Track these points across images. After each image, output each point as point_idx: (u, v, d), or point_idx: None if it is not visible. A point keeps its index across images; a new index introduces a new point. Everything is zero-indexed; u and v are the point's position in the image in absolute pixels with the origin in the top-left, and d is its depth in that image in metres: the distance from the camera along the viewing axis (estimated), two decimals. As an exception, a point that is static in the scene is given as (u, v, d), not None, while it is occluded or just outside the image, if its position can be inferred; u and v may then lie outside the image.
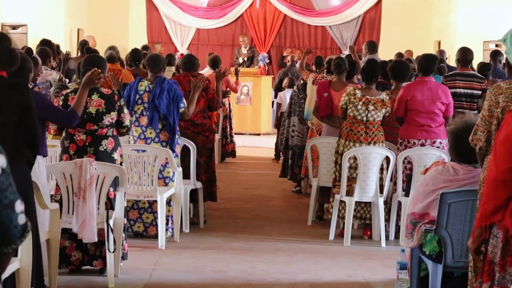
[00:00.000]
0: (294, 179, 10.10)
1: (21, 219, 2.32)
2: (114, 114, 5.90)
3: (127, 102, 7.04)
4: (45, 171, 5.39)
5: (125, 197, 6.04)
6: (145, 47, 13.08)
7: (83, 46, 12.46)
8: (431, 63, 7.55)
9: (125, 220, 6.06)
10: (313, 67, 10.34)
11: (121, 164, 6.01)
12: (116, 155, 5.97)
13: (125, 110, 5.98)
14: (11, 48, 4.78)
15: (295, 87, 10.21)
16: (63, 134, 5.98)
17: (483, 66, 9.43)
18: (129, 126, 6.05)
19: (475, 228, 3.94)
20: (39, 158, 5.27)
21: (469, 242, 4.02)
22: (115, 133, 5.99)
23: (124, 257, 6.09)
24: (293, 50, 17.73)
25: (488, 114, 4.20)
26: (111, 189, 5.80)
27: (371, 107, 7.39)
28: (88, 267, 5.98)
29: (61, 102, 5.88)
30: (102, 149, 5.90)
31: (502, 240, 3.82)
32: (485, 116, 4.21)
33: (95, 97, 5.88)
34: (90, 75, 5.65)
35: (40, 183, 5.19)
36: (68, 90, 6.04)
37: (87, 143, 5.89)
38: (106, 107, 5.88)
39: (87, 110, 5.83)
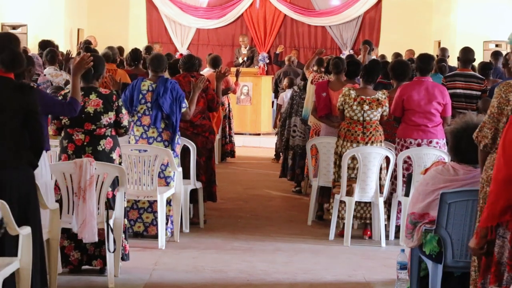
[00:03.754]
0: (296, 179, 10.07)
1: None
2: (112, 114, 5.91)
3: (130, 102, 7.05)
4: (49, 167, 5.40)
5: (125, 197, 6.04)
6: (147, 49, 13.04)
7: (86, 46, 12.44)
8: (427, 63, 7.56)
9: (125, 220, 6.07)
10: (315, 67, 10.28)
11: (120, 164, 6.02)
12: (114, 155, 5.98)
13: (123, 111, 5.99)
14: (16, 51, 4.75)
15: (295, 87, 10.17)
16: (62, 134, 5.99)
17: (484, 66, 9.40)
18: (127, 126, 6.06)
19: (480, 228, 3.89)
20: (44, 155, 5.29)
21: (472, 242, 3.99)
22: (113, 133, 6.00)
23: (124, 258, 6.08)
24: (290, 49, 17.74)
25: (497, 112, 4.10)
26: (109, 189, 5.81)
27: (366, 107, 7.39)
28: (87, 266, 5.98)
29: None
30: (100, 149, 5.91)
31: (510, 240, 3.80)
32: (494, 113, 4.11)
33: (93, 96, 5.89)
34: (80, 61, 5.64)
35: (45, 180, 5.23)
36: (67, 90, 6.03)
37: (85, 143, 5.90)
38: (104, 107, 5.88)
39: (85, 110, 5.84)
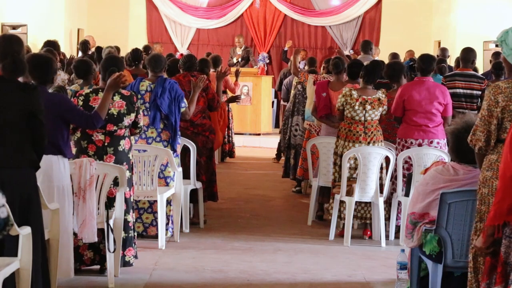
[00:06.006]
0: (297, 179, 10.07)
1: (3, 212, 2.34)
2: (133, 115, 5.99)
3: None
4: (69, 171, 5.41)
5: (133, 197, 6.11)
6: (146, 48, 13.04)
7: (85, 46, 12.47)
8: (428, 63, 7.56)
9: (133, 219, 6.12)
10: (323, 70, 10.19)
11: (132, 164, 6.12)
12: (130, 155, 6.10)
13: (141, 112, 6.12)
14: (17, 58, 4.74)
15: (299, 86, 10.16)
16: (79, 134, 5.97)
17: (498, 65, 9.27)
18: (142, 127, 6.19)
19: (487, 226, 3.88)
20: (64, 159, 5.32)
21: (479, 241, 3.97)
22: (129, 133, 6.08)
23: (136, 256, 6.15)
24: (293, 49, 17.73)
25: (488, 114, 4.19)
26: (127, 189, 5.90)
27: (368, 107, 7.40)
28: (93, 267, 5.98)
29: (80, 103, 5.90)
30: (121, 149, 5.98)
31: None
32: (485, 116, 4.20)
33: (116, 98, 5.93)
34: (116, 79, 5.69)
35: (63, 183, 5.29)
36: (88, 90, 6.05)
37: (106, 143, 5.94)
38: (127, 108, 5.95)
39: (109, 111, 5.86)
